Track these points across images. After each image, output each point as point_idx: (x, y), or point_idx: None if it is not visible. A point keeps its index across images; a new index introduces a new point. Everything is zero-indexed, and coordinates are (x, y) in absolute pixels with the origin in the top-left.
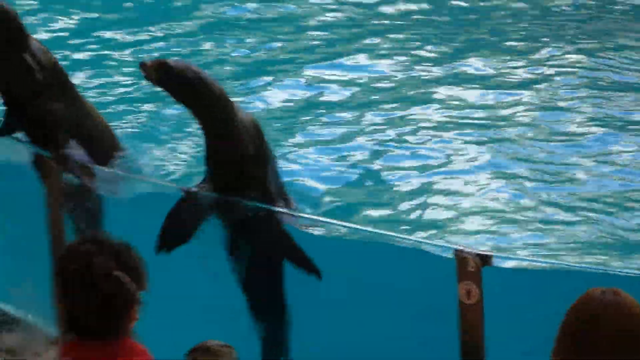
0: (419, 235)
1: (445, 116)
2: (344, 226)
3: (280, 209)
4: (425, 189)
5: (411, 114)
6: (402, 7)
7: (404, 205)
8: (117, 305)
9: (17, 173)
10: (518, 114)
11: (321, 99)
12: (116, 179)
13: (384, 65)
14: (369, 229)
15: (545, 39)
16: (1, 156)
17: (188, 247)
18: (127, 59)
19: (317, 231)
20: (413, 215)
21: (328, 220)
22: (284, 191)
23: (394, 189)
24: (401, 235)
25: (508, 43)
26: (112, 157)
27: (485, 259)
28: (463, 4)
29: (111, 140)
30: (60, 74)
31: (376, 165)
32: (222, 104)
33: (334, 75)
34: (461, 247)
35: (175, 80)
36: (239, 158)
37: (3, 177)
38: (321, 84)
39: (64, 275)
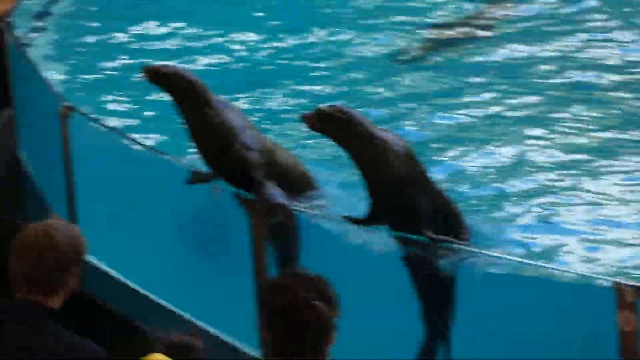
0: (576, 265)
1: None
2: (513, 260)
3: (453, 244)
4: (578, 217)
5: None
6: None
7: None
8: (317, 332)
9: (223, 211)
10: None
11: None
12: (310, 217)
13: None
14: (531, 261)
15: None
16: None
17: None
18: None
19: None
20: (574, 245)
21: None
22: (458, 221)
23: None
24: (562, 269)
25: None
26: (305, 191)
27: None
28: None
29: (303, 175)
30: (252, 127)
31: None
32: (372, 139)
33: None
34: (620, 280)
35: (334, 125)
36: (396, 182)
37: (212, 212)
38: None
39: (269, 307)
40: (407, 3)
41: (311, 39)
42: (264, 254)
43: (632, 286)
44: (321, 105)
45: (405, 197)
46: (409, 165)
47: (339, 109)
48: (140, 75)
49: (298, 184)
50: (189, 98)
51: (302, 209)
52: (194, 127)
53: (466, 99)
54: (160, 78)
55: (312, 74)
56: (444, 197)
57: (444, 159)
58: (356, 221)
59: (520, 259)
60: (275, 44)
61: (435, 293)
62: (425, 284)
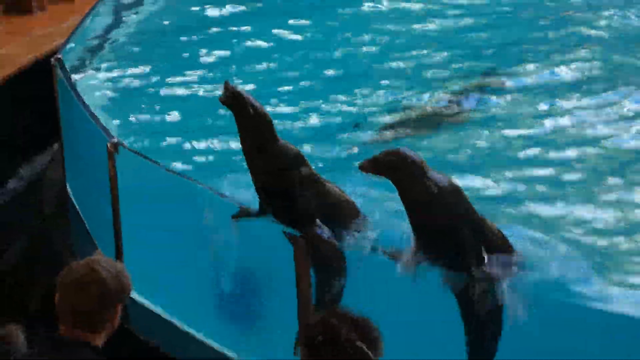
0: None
1: None
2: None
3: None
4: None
5: None
6: None
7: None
8: None
9: (270, 247)
10: None
11: None
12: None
13: None
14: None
15: None
16: (259, 230)
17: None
18: None
19: None
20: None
21: None
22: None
23: None
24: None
25: None
26: (352, 222)
27: None
28: None
29: (352, 211)
30: (304, 161)
31: None
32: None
33: None
34: None
35: (389, 170)
36: (446, 224)
37: (260, 246)
38: None
39: (312, 344)
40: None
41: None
42: (309, 290)
43: None
44: (377, 155)
45: (453, 238)
46: (458, 205)
47: (396, 152)
48: (221, 91)
49: (344, 215)
50: (255, 129)
51: (348, 245)
52: (251, 155)
53: None
54: (235, 100)
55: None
56: (494, 230)
57: None
58: (397, 256)
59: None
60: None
61: (484, 326)
62: (474, 319)
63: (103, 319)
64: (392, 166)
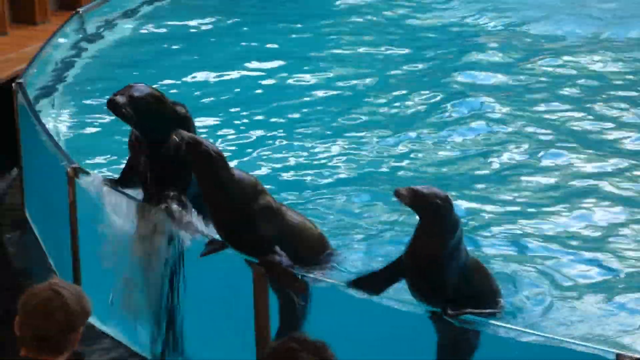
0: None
1: None
2: (511, 329)
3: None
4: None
5: None
6: None
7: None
8: None
9: (230, 273)
10: None
11: None
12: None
13: None
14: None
15: None
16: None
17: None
18: None
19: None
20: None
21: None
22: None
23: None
24: (564, 339)
25: None
26: (316, 253)
27: None
28: None
29: (314, 239)
30: (262, 191)
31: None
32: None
33: None
34: (622, 352)
35: (423, 208)
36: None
37: (219, 275)
38: None
39: None
40: None
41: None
42: (267, 316)
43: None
44: (416, 186)
45: (440, 281)
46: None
47: (434, 191)
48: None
49: (305, 243)
50: (208, 168)
51: (304, 273)
52: (209, 194)
53: None
54: (191, 147)
55: None
56: (477, 266)
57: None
58: (357, 285)
59: (524, 329)
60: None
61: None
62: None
63: (67, 343)
64: (431, 209)
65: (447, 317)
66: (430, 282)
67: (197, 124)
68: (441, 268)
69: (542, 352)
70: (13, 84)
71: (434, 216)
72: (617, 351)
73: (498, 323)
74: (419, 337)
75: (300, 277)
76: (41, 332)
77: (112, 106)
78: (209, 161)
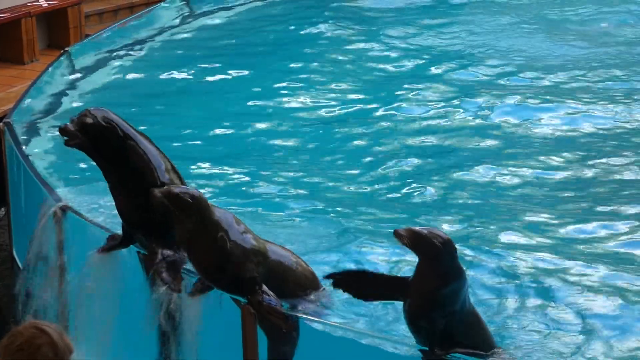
0: None
1: None
2: None
3: None
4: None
5: None
6: None
7: None
8: None
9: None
10: None
11: None
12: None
13: None
14: None
15: None
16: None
17: None
18: None
19: None
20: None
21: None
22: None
23: None
24: None
25: None
26: (306, 292)
27: None
28: None
29: (304, 276)
30: (246, 232)
31: None
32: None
33: None
34: None
35: (424, 250)
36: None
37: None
38: None
39: None
40: None
41: None
42: (256, 354)
43: None
44: (416, 227)
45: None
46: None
47: (434, 233)
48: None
49: (295, 282)
50: (188, 216)
51: (292, 312)
52: (189, 239)
53: None
54: (171, 200)
55: None
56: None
57: None
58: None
59: None
60: None
61: None
62: None
63: None
64: (430, 251)
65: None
66: (420, 321)
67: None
68: (432, 310)
69: None
70: (0, 124)
71: (432, 259)
72: None
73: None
74: None
75: (288, 316)
76: None
77: (62, 132)
78: (189, 209)
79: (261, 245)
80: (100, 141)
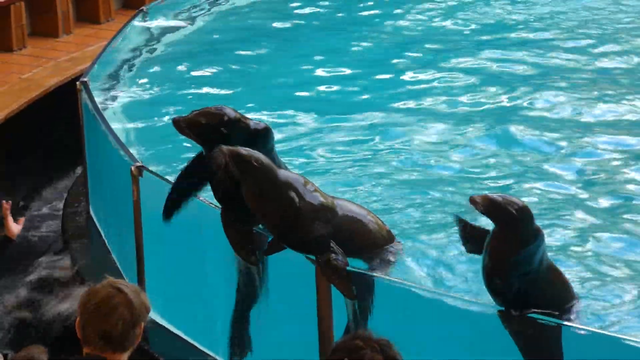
0: None
1: None
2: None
3: None
4: None
5: None
6: None
7: None
8: None
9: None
10: None
11: None
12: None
13: None
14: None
15: None
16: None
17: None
18: None
19: None
20: None
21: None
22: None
23: None
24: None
25: None
26: (381, 248)
27: None
28: None
29: (376, 232)
30: (314, 191)
31: None
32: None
33: None
34: None
35: (499, 216)
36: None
37: (285, 277)
38: None
39: None
40: None
41: None
42: (330, 313)
43: None
44: (491, 194)
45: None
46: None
47: (510, 200)
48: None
49: (367, 238)
50: (252, 179)
51: (360, 270)
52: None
53: None
54: (240, 163)
55: None
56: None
57: None
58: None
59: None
60: None
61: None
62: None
63: (131, 339)
64: (505, 218)
65: (510, 317)
66: (495, 282)
67: None
68: (506, 274)
69: (610, 352)
70: (77, 83)
71: (507, 225)
72: None
73: (564, 323)
74: (486, 337)
75: (359, 273)
76: (106, 330)
77: (177, 127)
78: (252, 172)
79: (330, 202)
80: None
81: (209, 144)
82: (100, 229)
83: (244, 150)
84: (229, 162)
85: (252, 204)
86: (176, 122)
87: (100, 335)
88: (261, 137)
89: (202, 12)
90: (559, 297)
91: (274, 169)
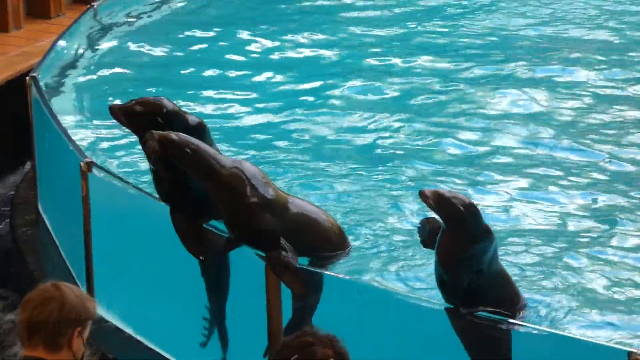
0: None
1: None
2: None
3: None
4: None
5: None
6: None
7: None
8: None
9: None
10: None
11: None
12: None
13: None
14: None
15: None
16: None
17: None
18: None
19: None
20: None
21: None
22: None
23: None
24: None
25: None
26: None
27: None
28: None
29: (329, 231)
30: (267, 185)
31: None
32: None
33: None
34: (634, 350)
35: (447, 211)
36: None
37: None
38: None
39: None
40: None
41: None
42: (280, 310)
43: None
44: (441, 189)
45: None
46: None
47: (458, 197)
48: (151, 143)
49: (319, 237)
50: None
51: (308, 267)
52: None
53: None
54: (171, 148)
55: None
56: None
57: None
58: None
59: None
60: None
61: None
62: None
63: (62, 339)
64: (453, 215)
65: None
66: (445, 280)
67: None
68: (455, 271)
69: (556, 349)
70: (27, 78)
71: (454, 222)
72: (630, 349)
73: (511, 321)
74: (431, 333)
75: (306, 270)
76: (31, 320)
77: (113, 114)
78: (188, 157)
79: (282, 197)
80: None
81: (143, 134)
82: (48, 225)
83: (175, 135)
84: (159, 147)
85: (204, 189)
86: (112, 109)
87: (26, 326)
88: (198, 132)
89: (152, 6)
90: (509, 299)
91: (215, 154)
